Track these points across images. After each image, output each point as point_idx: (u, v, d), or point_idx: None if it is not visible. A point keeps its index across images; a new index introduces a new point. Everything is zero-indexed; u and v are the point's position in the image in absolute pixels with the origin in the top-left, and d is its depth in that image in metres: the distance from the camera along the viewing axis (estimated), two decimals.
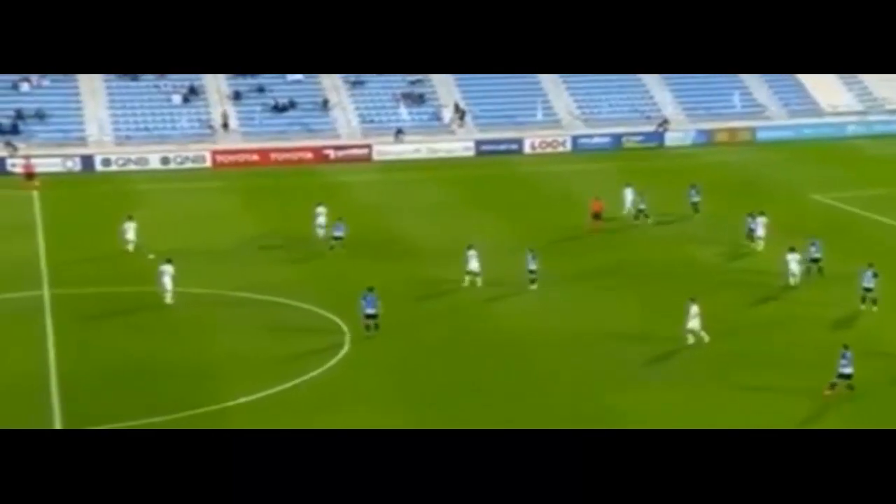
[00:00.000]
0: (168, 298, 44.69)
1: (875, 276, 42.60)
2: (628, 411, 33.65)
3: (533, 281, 46.06)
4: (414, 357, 39.02)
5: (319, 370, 37.62)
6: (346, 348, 39.64)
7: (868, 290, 42.70)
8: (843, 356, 34.51)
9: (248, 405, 34.86)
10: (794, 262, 45.78)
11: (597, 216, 57.12)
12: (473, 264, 46.29)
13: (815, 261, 47.16)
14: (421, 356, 39.13)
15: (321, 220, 55.74)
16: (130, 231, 52.33)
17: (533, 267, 46.03)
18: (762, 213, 52.62)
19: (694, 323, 38.85)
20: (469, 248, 46.97)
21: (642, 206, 58.15)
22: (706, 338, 38.91)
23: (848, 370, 34.40)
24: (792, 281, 45.90)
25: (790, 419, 32.54)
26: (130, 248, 52.00)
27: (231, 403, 34.82)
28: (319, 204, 56.30)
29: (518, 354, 39.10)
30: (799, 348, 39.22)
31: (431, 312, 44.12)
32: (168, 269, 44.83)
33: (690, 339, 38.96)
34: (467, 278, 46.50)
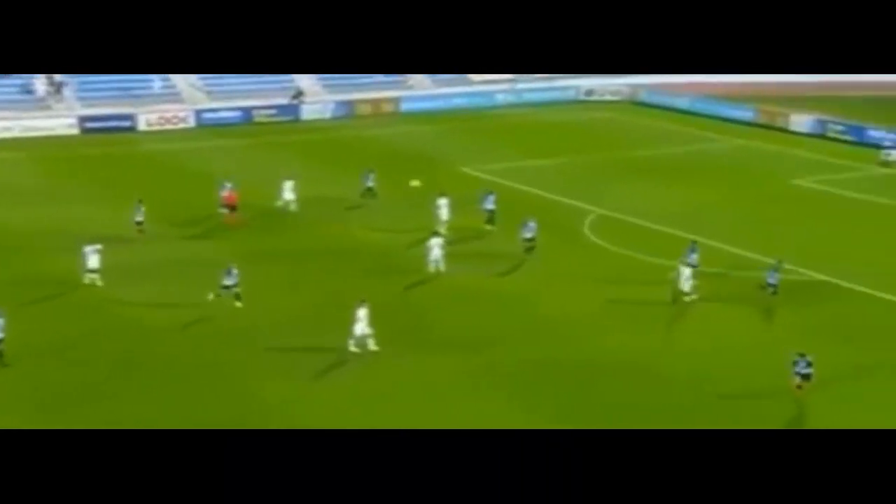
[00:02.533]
0: None
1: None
2: (277, 403, 31.41)
3: (219, 295, 38.13)
4: (30, 360, 33.92)
5: None
6: None
7: (529, 239, 44.51)
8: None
9: None
10: (437, 248, 42.27)
11: (232, 208, 48.90)
12: (93, 261, 40.42)
13: (529, 240, 45.01)
14: (37, 359, 34.14)
15: None
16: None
17: (229, 282, 38.23)
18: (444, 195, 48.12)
19: (361, 327, 34.62)
20: (89, 243, 40.80)
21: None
22: (372, 346, 34.65)
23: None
24: (433, 268, 41.98)
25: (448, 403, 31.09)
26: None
27: None
28: None
29: (150, 349, 35.29)
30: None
31: (46, 313, 38.19)
32: None
33: (352, 347, 34.60)
34: (88, 277, 40.45)
